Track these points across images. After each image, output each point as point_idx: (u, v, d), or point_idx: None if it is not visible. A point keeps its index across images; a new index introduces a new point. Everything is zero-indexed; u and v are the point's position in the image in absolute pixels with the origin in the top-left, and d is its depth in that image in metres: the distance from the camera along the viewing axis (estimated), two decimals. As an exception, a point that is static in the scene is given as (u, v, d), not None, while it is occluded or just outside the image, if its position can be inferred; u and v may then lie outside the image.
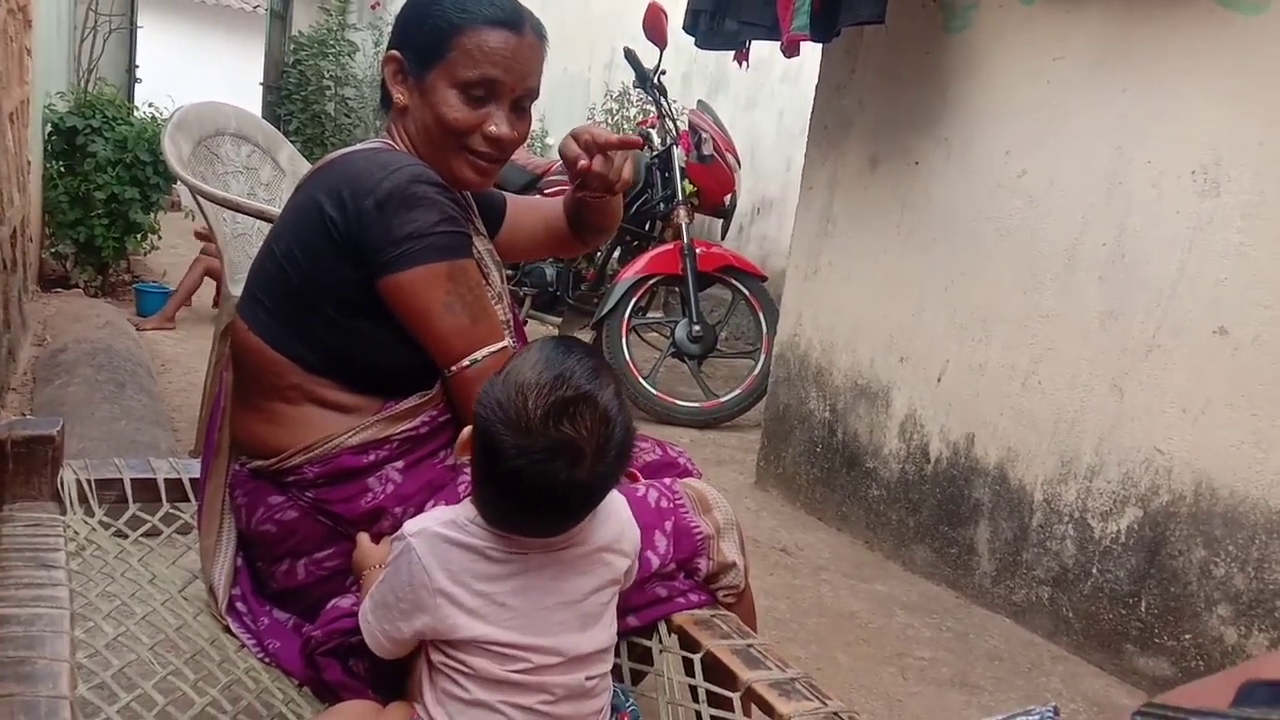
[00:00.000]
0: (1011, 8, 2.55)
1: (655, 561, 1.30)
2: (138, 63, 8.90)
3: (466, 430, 1.08)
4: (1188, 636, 2.16)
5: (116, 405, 2.88)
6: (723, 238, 5.01)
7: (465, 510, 1.07)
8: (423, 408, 1.32)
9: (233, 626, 1.35)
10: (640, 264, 4.05)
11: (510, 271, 2.76)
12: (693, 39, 3.22)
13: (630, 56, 4.28)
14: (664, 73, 4.38)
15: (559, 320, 4.53)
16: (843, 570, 2.75)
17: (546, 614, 1.06)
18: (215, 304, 4.78)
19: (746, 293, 4.08)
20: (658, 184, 4.27)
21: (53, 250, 5.10)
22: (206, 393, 2.71)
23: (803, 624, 2.38)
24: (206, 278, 4.77)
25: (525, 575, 1.05)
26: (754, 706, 1.19)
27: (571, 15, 6.84)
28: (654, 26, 4.15)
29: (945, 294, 2.71)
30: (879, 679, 2.17)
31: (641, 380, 3.94)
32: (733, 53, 3.26)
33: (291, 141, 3.46)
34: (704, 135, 4.33)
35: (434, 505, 1.27)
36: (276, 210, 1.97)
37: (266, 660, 1.30)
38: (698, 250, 4.01)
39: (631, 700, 1.24)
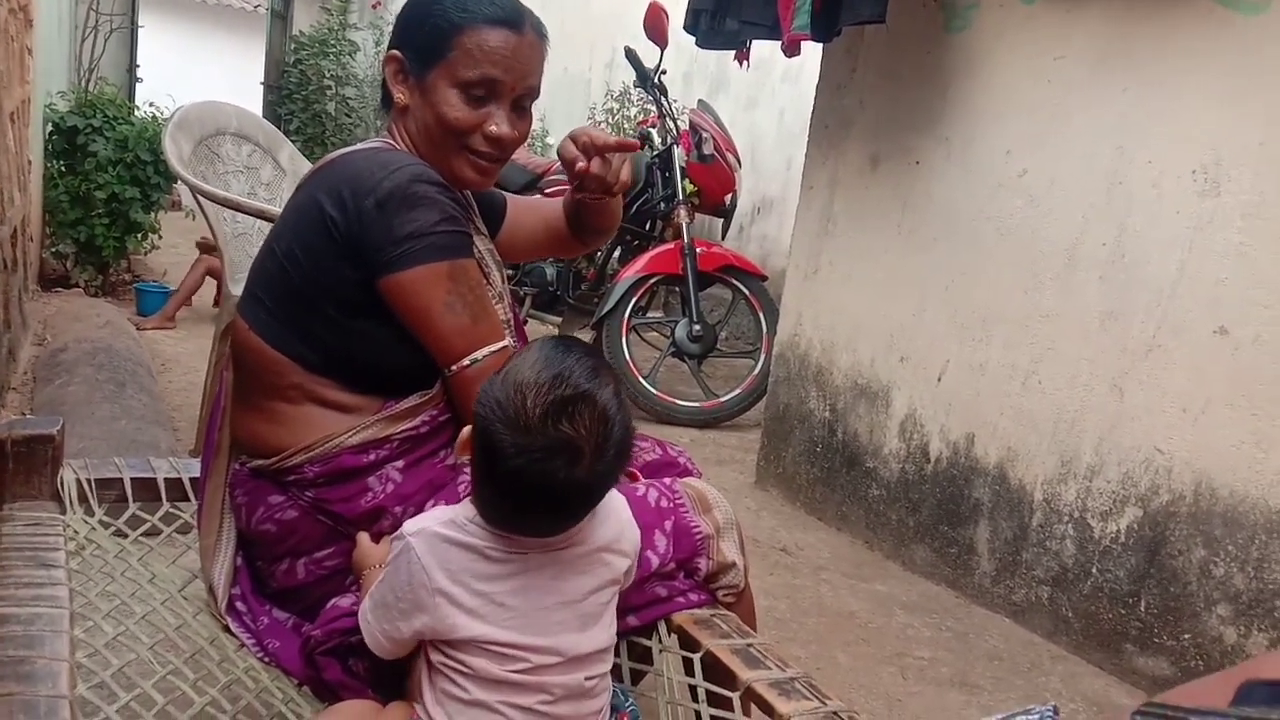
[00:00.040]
0: (1012, 7, 2.55)
1: (655, 561, 1.30)
2: (138, 62, 8.91)
3: (466, 430, 1.08)
4: (1187, 636, 2.16)
5: (117, 405, 2.88)
6: (723, 237, 5.01)
7: (465, 510, 1.07)
8: (423, 407, 1.32)
9: (232, 626, 1.35)
10: (640, 263, 4.05)
11: (510, 271, 2.76)
12: (693, 38, 3.22)
13: (631, 56, 4.28)
14: (664, 72, 4.38)
15: (559, 320, 4.53)
16: (842, 570, 2.75)
17: (546, 614, 1.06)
18: (216, 303, 4.79)
19: (747, 292, 4.08)
20: (658, 183, 4.27)
21: (53, 250, 5.10)
22: (207, 392, 2.71)
23: (802, 624, 2.38)
24: (208, 277, 4.77)
25: (525, 575, 1.05)
26: (754, 706, 1.19)
27: (572, 14, 6.84)
28: (655, 26, 4.15)
29: (946, 293, 2.71)
30: (879, 679, 2.17)
31: (641, 380, 3.94)
32: (733, 52, 3.26)
33: (292, 141, 3.46)
34: (704, 135, 4.33)
35: (434, 505, 1.27)
36: (277, 210, 1.97)
37: (266, 660, 1.30)
38: (698, 250, 4.01)
39: (631, 700, 1.24)
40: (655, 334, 4.69)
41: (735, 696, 1.20)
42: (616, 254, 4.53)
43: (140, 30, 8.77)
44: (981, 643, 2.40)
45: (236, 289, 2.52)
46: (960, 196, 2.68)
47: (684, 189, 4.16)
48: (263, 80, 9.89)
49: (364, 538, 1.27)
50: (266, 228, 2.09)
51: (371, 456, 1.30)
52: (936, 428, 2.74)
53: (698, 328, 4.01)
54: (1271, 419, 2.02)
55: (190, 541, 1.55)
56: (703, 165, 4.33)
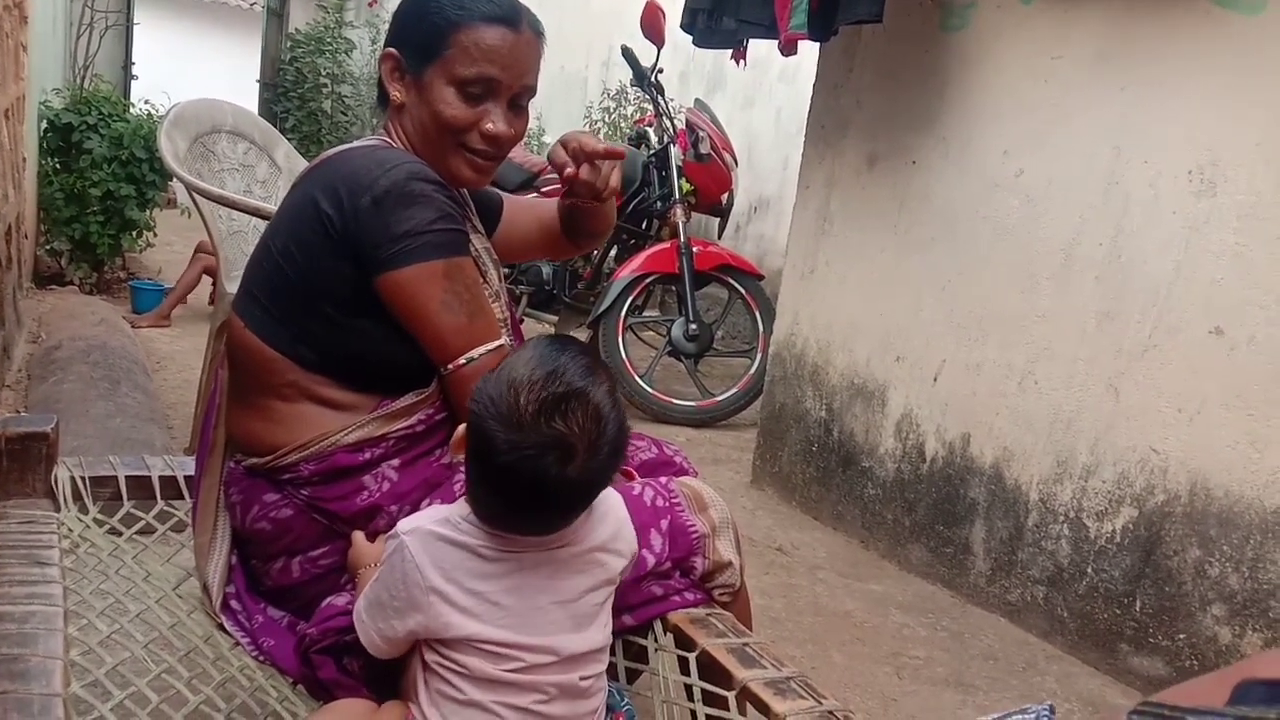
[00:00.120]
0: (1010, 7, 2.55)
1: (651, 560, 1.30)
2: (134, 59, 8.88)
3: (461, 428, 1.07)
4: (1182, 636, 2.16)
5: (111, 402, 2.88)
6: (719, 236, 5.01)
7: (459, 509, 1.07)
8: (419, 405, 1.32)
9: (227, 624, 1.34)
10: (637, 262, 4.05)
11: (507, 270, 2.75)
12: (690, 37, 3.22)
13: (628, 55, 4.28)
14: (661, 71, 4.38)
15: (555, 318, 4.53)
16: (838, 569, 2.75)
17: (540, 613, 1.05)
18: (211, 301, 4.77)
19: (743, 291, 4.08)
20: (655, 182, 4.27)
21: (48, 247, 5.09)
22: (202, 390, 2.71)
23: (798, 623, 2.38)
24: (205, 276, 4.76)
25: (519, 574, 1.05)
26: (749, 705, 1.19)
27: (569, 13, 6.83)
28: (652, 25, 4.15)
29: (942, 293, 2.71)
30: (874, 678, 2.17)
31: (638, 379, 3.94)
32: (730, 51, 3.26)
33: (288, 139, 3.45)
34: (701, 134, 4.33)
35: (430, 503, 1.27)
36: (273, 207, 1.97)
37: (261, 658, 1.30)
38: (694, 249, 4.01)
39: (626, 699, 1.24)
40: (651, 333, 4.69)
41: (731, 696, 1.19)
42: (613, 253, 4.53)
43: (136, 27, 8.74)
44: (977, 642, 2.40)
45: (232, 287, 2.51)
46: (957, 196, 2.68)
47: (680, 188, 4.16)
48: (258, 78, 9.86)
49: (359, 537, 1.27)
50: (262, 225, 2.09)
51: (367, 455, 1.30)
52: (932, 427, 2.74)
53: (694, 327, 4.01)
54: (1267, 419, 2.03)
55: (185, 540, 1.54)
56: (699, 164, 4.33)
